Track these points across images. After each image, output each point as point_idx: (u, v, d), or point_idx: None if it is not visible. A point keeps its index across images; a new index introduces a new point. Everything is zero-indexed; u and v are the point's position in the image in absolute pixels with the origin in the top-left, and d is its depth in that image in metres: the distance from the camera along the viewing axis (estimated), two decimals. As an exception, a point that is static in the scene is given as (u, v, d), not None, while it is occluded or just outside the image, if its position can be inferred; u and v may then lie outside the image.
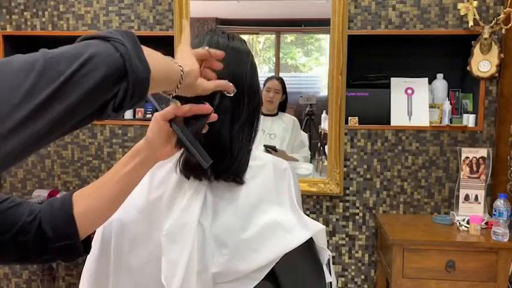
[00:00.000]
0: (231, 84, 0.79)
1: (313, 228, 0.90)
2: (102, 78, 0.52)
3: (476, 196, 2.23)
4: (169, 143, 0.79)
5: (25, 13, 2.52)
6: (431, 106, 2.40)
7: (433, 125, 2.36)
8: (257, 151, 0.93)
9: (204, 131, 0.78)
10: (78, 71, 0.51)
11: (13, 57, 0.50)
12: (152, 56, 0.61)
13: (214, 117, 0.79)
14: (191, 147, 0.75)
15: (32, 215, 0.75)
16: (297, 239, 0.86)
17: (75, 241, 0.75)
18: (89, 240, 0.80)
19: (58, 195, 2.61)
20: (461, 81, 2.47)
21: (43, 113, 0.49)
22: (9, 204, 0.75)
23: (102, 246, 0.88)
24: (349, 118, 2.40)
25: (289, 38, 2.72)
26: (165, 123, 0.77)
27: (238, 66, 0.87)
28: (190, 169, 0.85)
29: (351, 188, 2.44)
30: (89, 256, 0.89)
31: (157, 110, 0.80)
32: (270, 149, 2.45)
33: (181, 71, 0.68)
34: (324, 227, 0.94)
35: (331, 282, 0.97)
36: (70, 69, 0.50)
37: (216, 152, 0.83)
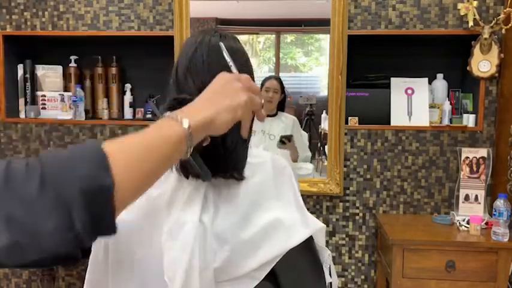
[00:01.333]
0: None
1: (314, 226, 0.90)
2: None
3: (476, 196, 2.23)
4: None
5: (25, 13, 2.52)
6: (431, 106, 2.40)
7: (433, 125, 2.36)
8: (256, 149, 0.93)
9: (205, 143, 0.78)
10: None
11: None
12: (126, 165, 0.50)
13: None
14: (191, 160, 0.73)
15: None
16: (297, 237, 0.86)
17: None
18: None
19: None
20: (461, 81, 2.47)
21: None
22: None
23: (103, 248, 0.88)
24: (349, 118, 2.40)
25: (289, 38, 2.72)
26: None
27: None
28: (186, 170, 0.86)
29: (351, 188, 2.44)
30: (91, 258, 0.89)
31: (155, 114, 0.80)
32: (285, 139, 2.45)
33: (190, 132, 0.57)
34: (324, 225, 0.94)
35: (331, 283, 0.97)
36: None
37: (209, 149, 0.83)
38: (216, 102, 0.61)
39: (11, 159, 0.46)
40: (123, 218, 0.86)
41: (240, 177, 0.86)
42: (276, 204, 0.87)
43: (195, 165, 0.72)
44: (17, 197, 0.42)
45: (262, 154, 0.94)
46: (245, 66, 0.90)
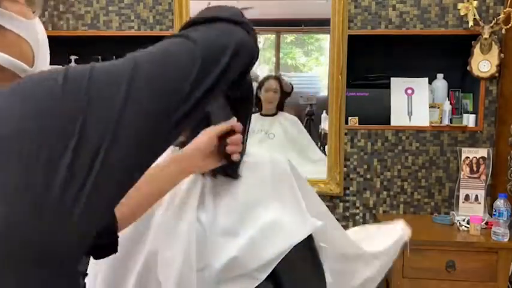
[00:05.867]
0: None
1: (312, 225, 0.90)
2: (244, 66, 0.59)
3: (476, 196, 2.23)
4: (209, 157, 0.84)
5: (25, 13, 2.52)
6: (431, 106, 2.40)
7: (433, 125, 2.36)
8: (253, 148, 0.93)
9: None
10: (231, 62, 0.55)
11: (167, 46, 0.56)
12: None
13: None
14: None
15: None
16: (297, 237, 0.86)
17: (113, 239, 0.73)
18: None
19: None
20: (461, 81, 2.47)
21: (202, 104, 0.52)
22: None
23: None
24: (349, 118, 2.40)
25: (289, 38, 2.72)
26: (216, 138, 0.83)
27: None
28: None
29: (351, 188, 2.44)
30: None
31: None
32: None
33: None
34: (323, 223, 0.94)
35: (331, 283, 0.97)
36: (224, 61, 0.54)
37: None
38: None
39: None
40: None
41: (234, 175, 0.86)
42: (274, 205, 0.87)
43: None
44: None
45: (261, 153, 0.94)
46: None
